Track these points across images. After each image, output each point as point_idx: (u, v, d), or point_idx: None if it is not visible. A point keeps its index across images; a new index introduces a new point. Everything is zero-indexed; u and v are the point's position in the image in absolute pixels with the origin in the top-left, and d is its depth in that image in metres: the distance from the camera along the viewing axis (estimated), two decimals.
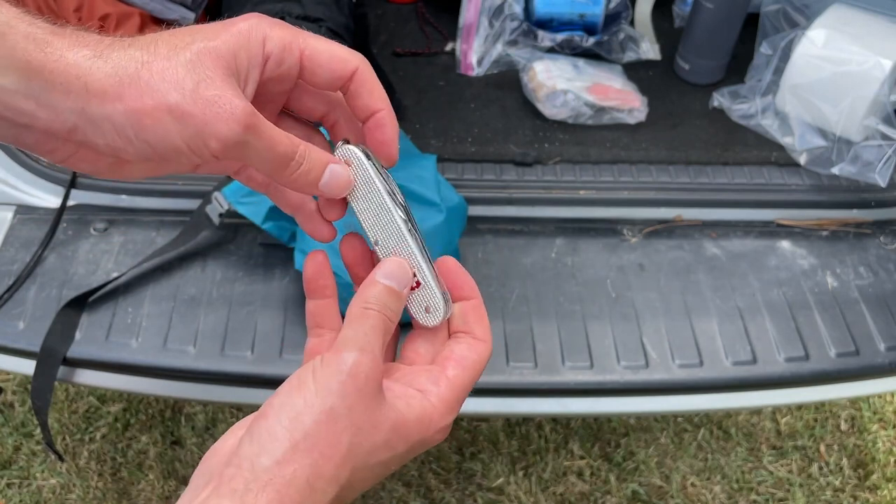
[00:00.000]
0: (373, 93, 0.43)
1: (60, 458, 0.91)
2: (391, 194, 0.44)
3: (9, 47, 0.36)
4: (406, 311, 0.44)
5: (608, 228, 1.03)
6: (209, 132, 0.38)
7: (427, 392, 0.42)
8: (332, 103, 0.45)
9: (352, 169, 0.43)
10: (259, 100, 0.41)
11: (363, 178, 0.44)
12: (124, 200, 1.01)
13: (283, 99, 0.44)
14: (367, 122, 0.44)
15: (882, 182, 1.02)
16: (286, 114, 0.46)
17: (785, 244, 1.03)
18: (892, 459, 1.52)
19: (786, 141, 1.09)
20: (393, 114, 0.44)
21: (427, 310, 0.44)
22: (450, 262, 0.46)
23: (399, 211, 0.44)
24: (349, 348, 0.39)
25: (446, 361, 0.44)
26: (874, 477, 1.49)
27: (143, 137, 0.38)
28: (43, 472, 1.45)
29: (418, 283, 0.44)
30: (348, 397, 0.37)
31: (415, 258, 0.44)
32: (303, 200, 0.46)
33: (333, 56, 0.42)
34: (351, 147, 0.44)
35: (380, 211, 0.44)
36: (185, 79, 0.37)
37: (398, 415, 0.40)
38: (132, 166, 0.41)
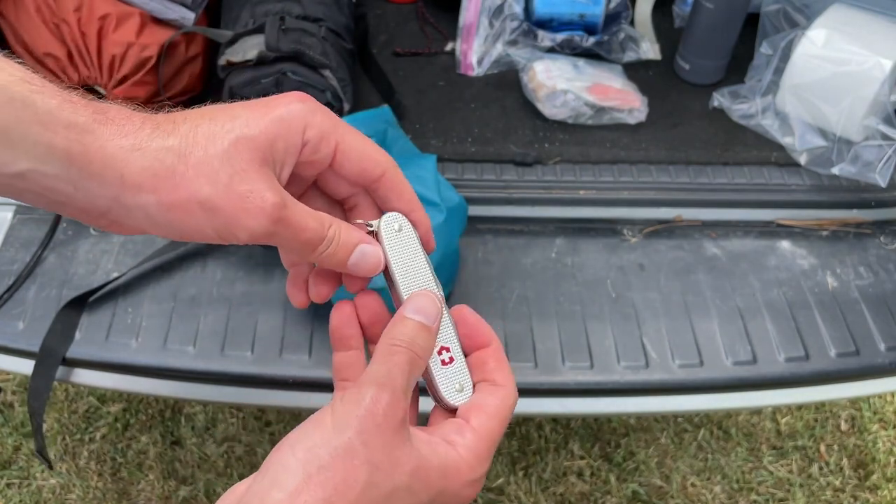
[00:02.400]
0: (402, 196, 0.44)
1: (50, 466, 0.91)
2: (433, 269, 0.44)
3: (50, 136, 0.37)
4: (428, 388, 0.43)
5: (608, 228, 1.03)
6: (238, 225, 0.39)
7: (453, 443, 0.40)
8: (356, 187, 0.46)
9: (397, 235, 0.44)
10: (290, 178, 0.42)
11: (410, 248, 0.44)
12: None
13: (313, 178, 0.45)
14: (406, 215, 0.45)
15: (882, 182, 1.02)
16: (315, 188, 0.46)
17: (785, 244, 1.03)
18: (892, 460, 1.52)
19: (786, 141, 1.09)
20: (423, 210, 0.45)
21: (460, 389, 0.43)
22: (465, 310, 0.45)
23: (440, 288, 0.44)
24: (369, 385, 0.38)
25: (469, 411, 0.42)
26: (874, 477, 1.49)
27: (174, 226, 0.39)
28: (43, 472, 1.45)
29: (451, 360, 0.43)
30: (365, 433, 0.36)
31: (450, 333, 0.44)
32: (298, 263, 0.47)
33: (364, 155, 0.42)
34: (398, 214, 0.44)
35: (423, 283, 0.44)
36: (219, 171, 0.38)
37: (421, 458, 0.38)
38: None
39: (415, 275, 0.44)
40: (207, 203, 0.38)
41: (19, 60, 0.38)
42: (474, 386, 0.44)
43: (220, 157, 0.38)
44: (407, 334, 0.41)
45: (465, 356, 0.44)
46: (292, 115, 0.40)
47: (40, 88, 0.37)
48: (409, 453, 0.38)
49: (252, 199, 0.38)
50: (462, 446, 0.40)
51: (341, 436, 0.36)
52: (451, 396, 0.43)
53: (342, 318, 0.45)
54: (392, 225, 0.44)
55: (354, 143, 0.42)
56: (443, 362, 0.43)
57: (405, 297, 0.44)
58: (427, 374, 0.43)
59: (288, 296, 0.47)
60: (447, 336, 0.44)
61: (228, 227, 0.39)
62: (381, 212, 0.46)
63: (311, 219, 0.41)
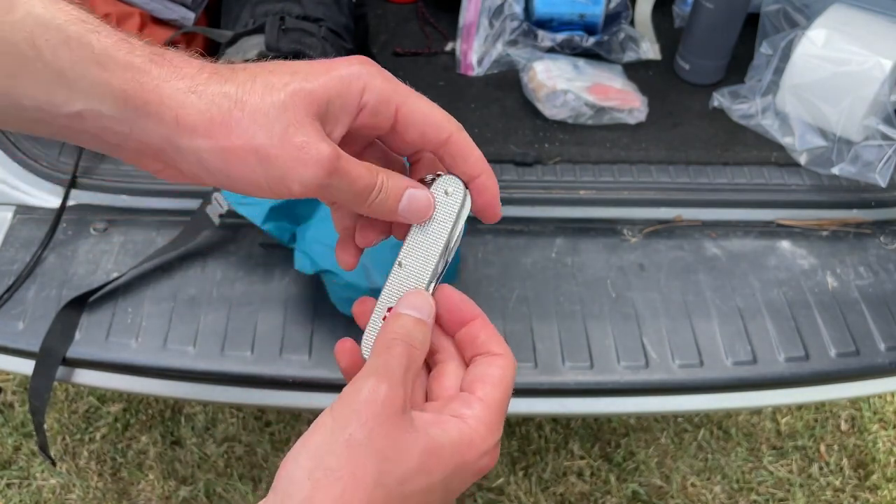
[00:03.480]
0: (468, 160, 0.43)
1: (53, 463, 0.91)
2: (449, 243, 0.44)
3: (107, 76, 0.37)
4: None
5: (608, 228, 1.03)
6: (293, 176, 0.38)
7: (463, 416, 0.40)
8: (421, 149, 0.45)
9: (443, 198, 0.44)
10: (347, 137, 0.42)
11: (445, 215, 0.44)
12: (124, 200, 1.01)
13: (373, 139, 0.45)
14: (466, 184, 0.44)
15: (882, 182, 1.02)
16: (373, 147, 0.46)
17: (785, 244, 1.03)
18: (892, 460, 1.52)
19: (786, 141, 1.09)
20: (492, 175, 0.44)
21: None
22: (446, 289, 0.45)
23: (444, 264, 0.44)
24: (366, 378, 0.38)
25: (472, 384, 0.42)
26: (874, 477, 1.49)
27: (227, 173, 0.39)
28: (43, 472, 1.45)
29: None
30: (366, 423, 0.36)
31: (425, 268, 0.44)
32: (351, 226, 0.46)
33: (428, 120, 0.42)
34: (457, 179, 0.44)
35: (428, 253, 0.44)
36: (275, 121, 0.38)
37: (430, 440, 0.38)
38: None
39: (427, 243, 0.44)
40: (262, 151, 0.38)
41: (75, 2, 0.38)
42: (470, 360, 0.44)
43: (276, 106, 0.38)
44: (403, 327, 0.41)
45: (453, 335, 0.45)
46: (352, 75, 0.40)
47: (96, 28, 0.37)
48: (416, 437, 0.38)
49: (308, 150, 0.38)
50: (472, 417, 0.40)
51: (343, 433, 0.36)
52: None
53: (351, 359, 0.44)
54: (442, 187, 0.44)
55: (417, 108, 0.42)
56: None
57: (401, 258, 0.44)
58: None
59: (337, 260, 0.47)
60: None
61: (282, 177, 0.38)
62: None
63: (362, 167, 0.41)
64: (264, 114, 0.38)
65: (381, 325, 0.44)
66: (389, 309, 0.44)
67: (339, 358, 0.45)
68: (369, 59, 0.41)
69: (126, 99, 0.37)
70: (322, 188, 0.39)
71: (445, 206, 0.44)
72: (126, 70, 0.37)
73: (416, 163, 0.46)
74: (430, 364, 0.46)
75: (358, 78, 0.40)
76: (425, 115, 0.42)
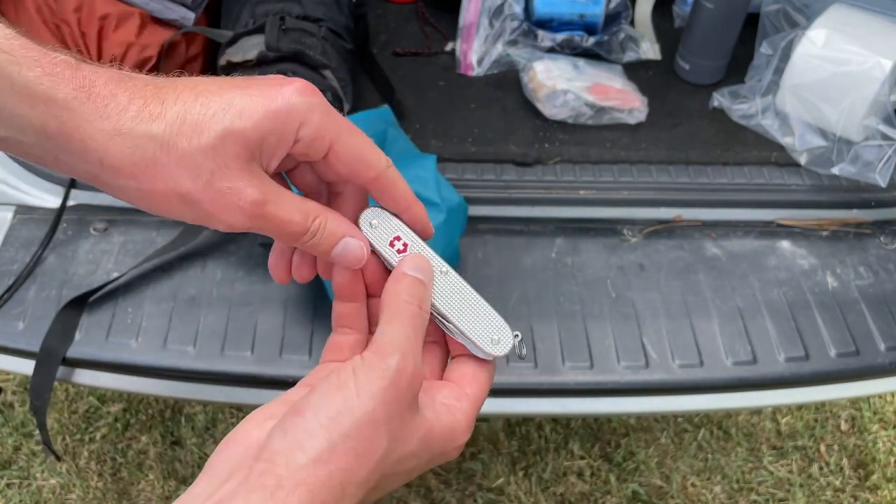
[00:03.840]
0: (395, 197, 0.44)
1: (58, 458, 0.91)
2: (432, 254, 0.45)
3: (26, 110, 0.36)
4: (462, 343, 0.44)
5: (608, 228, 1.03)
6: (218, 219, 0.39)
7: (452, 408, 0.42)
8: (326, 179, 0.46)
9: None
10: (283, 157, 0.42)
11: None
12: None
13: (302, 161, 0.44)
14: (398, 214, 0.45)
15: (882, 182, 1.02)
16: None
17: (785, 244, 1.03)
18: (892, 460, 1.52)
19: (786, 141, 1.09)
20: (418, 204, 0.45)
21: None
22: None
23: (443, 264, 0.45)
24: (392, 352, 0.38)
25: (463, 379, 0.44)
26: (874, 477, 1.49)
27: (153, 209, 0.39)
28: (43, 472, 1.45)
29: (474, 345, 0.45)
30: (389, 404, 0.37)
31: (470, 292, 0.45)
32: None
33: (357, 158, 0.42)
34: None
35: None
36: (200, 167, 0.38)
37: (429, 425, 0.40)
38: None
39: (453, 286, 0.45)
40: (187, 196, 0.38)
41: (4, 23, 0.37)
42: (456, 357, 0.46)
43: (204, 151, 0.37)
44: (414, 291, 0.42)
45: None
46: (290, 110, 0.39)
47: (19, 59, 0.35)
48: (420, 422, 0.39)
49: (230, 197, 0.38)
50: (460, 412, 0.42)
51: (365, 405, 0.36)
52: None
53: (353, 274, 0.45)
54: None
55: (349, 145, 0.41)
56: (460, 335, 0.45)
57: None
58: (458, 330, 0.44)
59: (269, 269, 0.47)
60: (469, 294, 0.45)
61: (208, 220, 0.39)
62: (365, 203, 0.46)
63: (295, 212, 0.41)
64: (191, 158, 0.37)
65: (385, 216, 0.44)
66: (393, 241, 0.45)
67: (341, 271, 0.45)
68: (312, 87, 0.40)
69: (47, 134, 0.36)
70: (249, 229, 0.40)
71: (381, 234, 0.44)
72: (47, 105, 0.36)
73: (336, 195, 0.46)
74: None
75: (296, 112, 0.39)
76: (356, 153, 0.42)
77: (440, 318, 0.44)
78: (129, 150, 0.37)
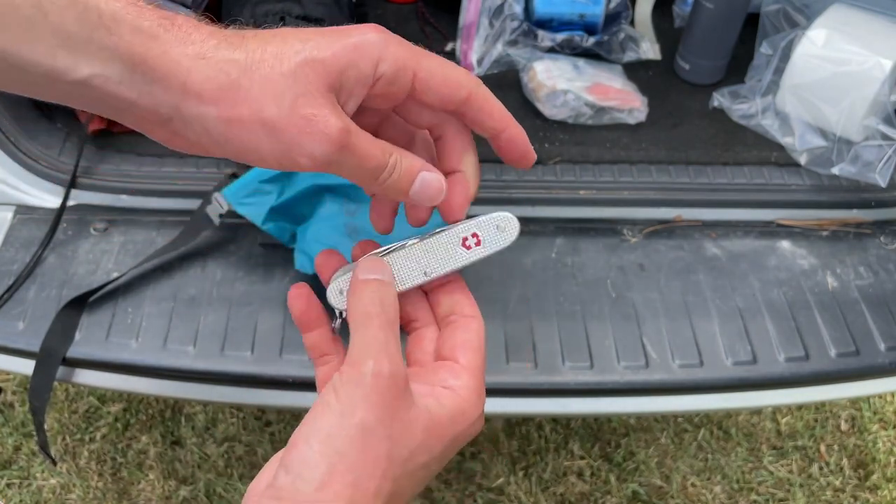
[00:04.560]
0: (492, 114, 0.43)
1: (53, 462, 0.91)
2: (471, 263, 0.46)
3: (115, 40, 0.36)
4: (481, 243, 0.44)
5: (608, 228, 1.03)
6: (300, 149, 0.38)
7: (453, 387, 0.41)
8: (441, 116, 0.44)
9: (495, 233, 0.45)
10: (362, 109, 0.41)
11: (490, 245, 0.45)
12: (124, 200, 1.01)
13: (390, 108, 0.43)
14: (494, 139, 0.44)
15: (882, 182, 1.02)
16: (390, 121, 0.45)
17: (785, 244, 1.03)
18: (892, 460, 1.52)
19: (786, 141, 1.09)
20: (517, 125, 0.44)
21: (502, 230, 0.45)
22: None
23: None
24: (364, 359, 0.38)
25: (454, 352, 0.43)
26: (874, 477, 1.49)
27: (233, 143, 0.38)
28: (43, 472, 1.45)
29: (475, 235, 0.45)
30: (376, 408, 0.37)
31: (449, 231, 0.45)
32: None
33: (447, 80, 0.41)
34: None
35: (455, 259, 0.45)
36: (284, 92, 0.37)
37: (430, 415, 0.39)
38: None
39: (453, 254, 0.45)
40: (269, 123, 0.37)
41: None
42: (443, 322, 0.45)
43: (286, 76, 0.37)
44: (374, 295, 0.41)
45: (427, 294, 0.46)
46: (366, 44, 0.38)
47: None
48: (418, 414, 0.38)
49: (317, 123, 0.37)
50: (462, 388, 0.41)
51: (352, 418, 0.36)
52: (495, 238, 0.45)
53: (303, 302, 0.44)
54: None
55: (434, 70, 0.40)
56: (477, 244, 0.45)
57: (419, 245, 0.44)
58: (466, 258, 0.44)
59: (371, 222, 0.46)
60: (453, 235, 0.45)
61: (290, 150, 0.38)
62: (467, 142, 0.45)
63: (374, 146, 0.40)
64: (273, 84, 0.37)
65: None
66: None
67: (293, 304, 0.44)
68: (382, 28, 0.40)
69: (133, 64, 0.36)
70: (330, 164, 0.38)
71: (492, 241, 0.45)
72: (134, 34, 0.36)
73: (437, 139, 0.45)
74: (407, 330, 0.46)
75: (373, 46, 0.39)
76: (443, 77, 0.41)
77: (439, 277, 0.44)
78: (212, 73, 0.36)
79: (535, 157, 0.45)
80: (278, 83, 0.37)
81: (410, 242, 0.44)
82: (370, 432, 0.36)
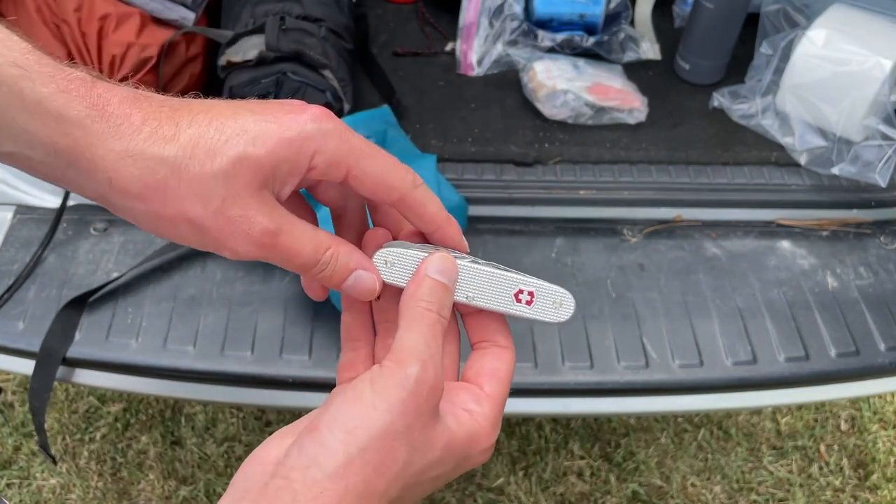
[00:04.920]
0: (424, 217, 0.42)
1: (54, 462, 0.91)
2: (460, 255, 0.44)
3: (37, 126, 0.35)
4: (529, 318, 0.43)
5: (608, 228, 1.03)
6: (224, 246, 0.38)
7: (473, 413, 0.41)
8: (348, 195, 0.44)
9: (387, 269, 0.43)
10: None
11: (542, 313, 0.44)
12: None
13: (307, 185, 0.44)
14: (427, 237, 0.44)
15: (882, 182, 1.02)
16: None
17: (785, 244, 1.03)
18: (892, 460, 1.52)
19: (786, 141, 1.09)
20: (452, 222, 0.44)
21: (558, 305, 0.44)
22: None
23: (467, 259, 0.43)
24: (412, 362, 0.37)
25: (480, 378, 0.42)
26: (874, 477, 1.49)
27: (160, 233, 0.39)
28: (43, 472, 1.45)
29: (531, 294, 0.43)
30: (408, 415, 0.36)
31: (509, 275, 0.43)
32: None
33: (381, 182, 0.41)
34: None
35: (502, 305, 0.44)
36: (213, 192, 0.37)
37: (451, 433, 0.39)
38: None
39: (503, 300, 0.44)
40: (195, 222, 0.37)
41: (22, 37, 0.36)
42: (475, 346, 0.44)
43: (216, 176, 0.37)
44: (435, 296, 0.40)
45: (464, 316, 0.45)
46: (304, 138, 0.38)
47: (33, 74, 0.35)
48: (442, 431, 0.38)
49: (240, 224, 0.37)
50: (481, 415, 0.41)
51: (383, 417, 0.36)
52: (552, 315, 0.44)
53: (354, 317, 0.44)
54: (383, 260, 0.43)
55: (369, 170, 0.40)
56: (527, 303, 0.43)
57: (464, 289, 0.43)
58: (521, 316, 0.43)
59: (304, 289, 0.46)
60: (510, 278, 0.43)
61: (215, 246, 0.38)
62: (365, 221, 0.45)
63: (306, 243, 0.40)
64: (202, 184, 0.37)
65: (401, 253, 0.42)
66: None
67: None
68: (328, 114, 0.39)
69: (57, 151, 0.36)
70: (258, 258, 0.39)
71: (544, 311, 0.44)
72: (59, 123, 0.35)
73: (373, 210, 0.46)
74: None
75: (311, 141, 0.38)
76: (376, 178, 0.40)
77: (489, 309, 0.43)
78: (139, 171, 0.36)
79: (466, 245, 0.45)
80: (207, 184, 0.37)
81: (469, 260, 0.43)
82: (396, 435, 0.36)
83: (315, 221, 0.45)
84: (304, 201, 0.45)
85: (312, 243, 0.40)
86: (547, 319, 0.44)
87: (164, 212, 0.37)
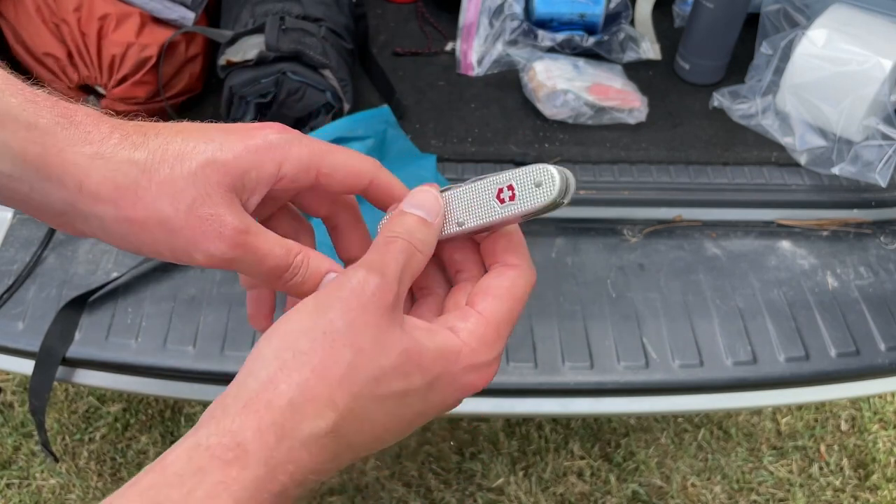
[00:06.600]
0: (392, 194, 0.43)
1: (56, 459, 0.91)
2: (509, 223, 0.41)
3: (6, 136, 0.35)
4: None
5: (608, 228, 1.03)
6: (196, 248, 0.38)
7: (455, 328, 0.38)
8: (337, 204, 0.45)
9: (533, 189, 0.40)
10: (262, 200, 0.41)
11: (527, 203, 0.40)
12: None
13: (289, 198, 0.44)
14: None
15: (882, 182, 1.02)
16: (286, 209, 0.46)
17: (785, 244, 1.03)
18: (892, 460, 1.52)
19: (786, 141, 1.09)
20: (419, 187, 0.43)
21: (538, 184, 0.39)
22: None
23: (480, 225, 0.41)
24: (357, 269, 0.36)
25: (475, 297, 0.40)
26: (874, 477, 1.49)
27: (130, 240, 0.38)
28: (42, 472, 1.45)
29: (510, 187, 0.39)
30: (350, 312, 0.34)
31: (484, 181, 0.40)
32: (258, 285, 0.46)
33: (350, 172, 0.41)
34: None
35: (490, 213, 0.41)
36: (183, 192, 0.37)
37: (413, 342, 0.36)
38: None
39: (487, 207, 0.41)
40: (167, 223, 0.37)
41: None
42: (491, 266, 0.41)
43: (186, 177, 0.37)
44: (405, 226, 0.39)
45: (479, 244, 0.42)
46: (269, 146, 0.39)
47: (0, 86, 0.36)
48: (399, 337, 0.35)
49: (212, 223, 0.37)
50: (463, 330, 0.38)
51: (322, 318, 0.34)
52: (533, 197, 0.39)
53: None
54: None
55: (335, 163, 0.41)
56: (510, 198, 0.39)
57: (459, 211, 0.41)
58: (500, 218, 0.40)
59: (250, 320, 0.46)
60: (488, 181, 0.40)
61: (186, 248, 0.38)
62: (364, 234, 0.46)
63: (276, 245, 0.40)
64: (172, 184, 0.37)
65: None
66: None
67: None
68: (287, 127, 0.41)
69: (26, 161, 0.36)
70: (228, 262, 0.39)
71: (527, 198, 0.39)
72: (29, 131, 0.36)
73: (332, 229, 0.46)
74: (453, 282, 0.44)
75: (276, 148, 0.39)
76: (345, 170, 0.41)
77: (475, 230, 0.41)
78: (110, 173, 0.36)
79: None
80: (177, 184, 0.37)
81: (443, 189, 0.42)
82: (335, 334, 0.34)
83: (313, 237, 0.46)
84: (299, 217, 0.46)
85: (283, 246, 0.40)
86: (538, 205, 0.39)
87: (135, 214, 0.37)
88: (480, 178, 0.41)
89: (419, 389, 0.36)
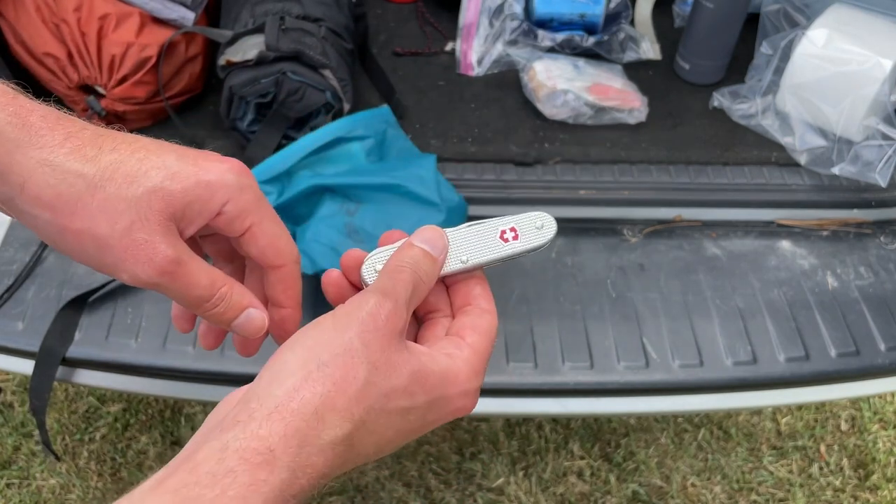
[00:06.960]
0: (286, 293, 0.45)
1: (57, 458, 0.91)
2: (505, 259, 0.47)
3: None
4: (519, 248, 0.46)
5: (608, 228, 1.03)
6: (124, 268, 0.39)
7: (452, 355, 0.41)
8: (239, 259, 0.47)
9: (535, 231, 0.47)
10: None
11: (526, 242, 0.47)
12: None
13: (212, 232, 0.45)
14: (273, 307, 0.46)
15: (882, 182, 1.02)
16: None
17: (785, 244, 1.03)
18: (892, 460, 1.52)
19: (786, 141, 1.09)
20: (297, 312, 0.46)
21: (540, 227, 0.46)
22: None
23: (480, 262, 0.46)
24: (372, 294, 0.39)
25: (462, 330, 0.43)
26: (874, 477, 1.49)
27: (60, 246, 0.39)
28: (42, 472, 1.45)
29: (513, 229, 0.46)
30: (366, 333, 0.37)
31: (488, 224, 0.46)
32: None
33: (271, 245, 0.43)
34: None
35: (491, 250, 0.46)
36: (123, 214, 0.38)
37: (420, 364, 0.39)
38: None
39: (490, 244, 0.47)
40: (101, 239, 0.38)
41: None
42: (459, 309, 0.46)
43: (129, 200, 0.38)
44: (413, 258, 0.42)
45: (448, 287, 0.47)
46: (221, 186, 0.40)
47: None
48: (408, 359, 0.38)
49: (144, 248, 0.38)
50: (460, 358, 0.41)
51: (342, 336, 0.37)
52: (535, 237, 0.46)
53: (333, 290, 0.45)
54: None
55: (268, 232, 0.43)
56: (514, 238, 0.46)
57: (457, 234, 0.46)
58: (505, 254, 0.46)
59: (173, 321, 0.47)
60: (491, 225, 0.46)
61: (114, 265, 0.39)
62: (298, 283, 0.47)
63: (203, 276, 0.41)
64: (114, 204, 0.38)
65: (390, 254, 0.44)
66: None
67: (327, 290, 0.45)
68: (247, 170, 0.42)
69: None
70: (153, 286, 0.40)
71: (530, 238, 0.46)
72: None
73: (231, 273, 0.47)
74: (424, 319, 0.47)
75: (227, 189, 0.40)
76: (272, 240, 0.43)
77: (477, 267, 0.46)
78: (55, 181, 0.37)
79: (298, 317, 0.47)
80: (119, 205, 0.38)
81: (449, 231, 0.45)
82: (353, 353, 0.36)
83: (243, 262, 0.48)
84: (197, 245, 0.47)
85: (209, 277, 0.42)
86: (537, 244, 0.46)
87: (71, 225, 0.38)
88: (481, 222, 0.46)
89: (420, 407, 0.39)
